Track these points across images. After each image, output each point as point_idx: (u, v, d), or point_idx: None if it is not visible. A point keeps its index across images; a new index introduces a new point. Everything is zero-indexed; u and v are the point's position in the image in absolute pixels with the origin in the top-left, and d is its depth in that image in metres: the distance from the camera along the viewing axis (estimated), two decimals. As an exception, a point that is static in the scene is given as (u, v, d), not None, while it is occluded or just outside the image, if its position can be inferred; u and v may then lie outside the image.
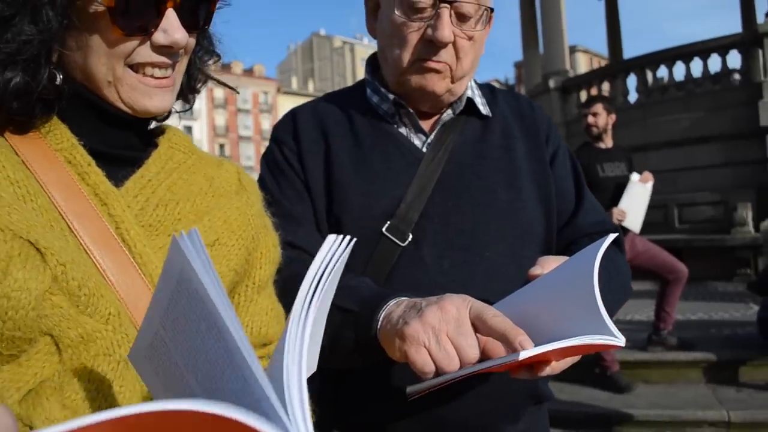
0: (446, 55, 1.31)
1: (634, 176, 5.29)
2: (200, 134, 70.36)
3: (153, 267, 0.86)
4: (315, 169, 1.38)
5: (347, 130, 1.42)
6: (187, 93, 1.05)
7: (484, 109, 1.46)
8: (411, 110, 1.41)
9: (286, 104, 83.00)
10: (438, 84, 1.35)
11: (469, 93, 1.44)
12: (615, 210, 5.10)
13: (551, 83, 12.74)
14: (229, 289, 1.00)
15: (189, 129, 65.18)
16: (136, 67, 0.89)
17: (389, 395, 1.28)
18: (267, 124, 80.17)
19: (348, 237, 0.73)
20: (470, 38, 1.33)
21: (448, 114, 1.43)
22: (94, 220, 0.84)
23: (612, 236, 1.04)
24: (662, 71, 11.32)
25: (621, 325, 5.55)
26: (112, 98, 0.89)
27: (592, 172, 5.24)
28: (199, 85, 1.07)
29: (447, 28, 1.27)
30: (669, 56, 11.04)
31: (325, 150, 1.39)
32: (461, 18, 1.30)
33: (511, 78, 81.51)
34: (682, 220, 9.53)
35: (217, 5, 0.98)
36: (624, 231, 5.07)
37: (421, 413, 1.29)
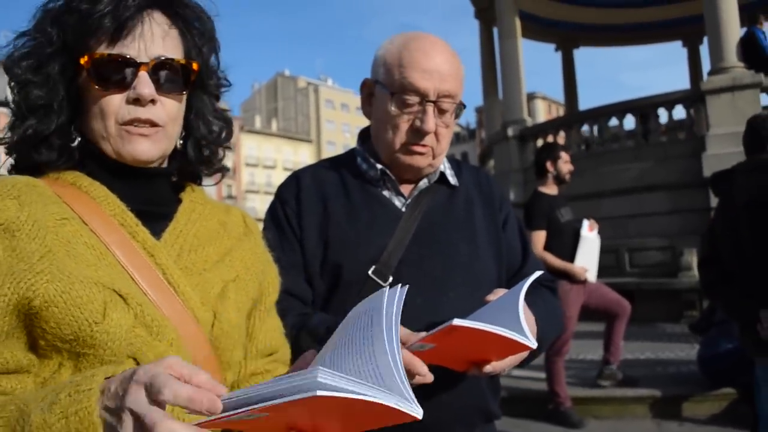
0: (429, 140, 1.66)
1: (584, 231, 5.56)
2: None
3: (193, 302, 1.12)
4: (311, 226, 1.69)
5: (341, 191, 1.73)
6: (203, 165, 1.28)
7: (452, 179, 1.80)
8: (393, 178, 1.73)
9: (248, 143, 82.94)
10: (422, 161, 1.69)
11: (441, 167, 1.78)
12: (578, 269, 5.41)
13: (510, 132, 13.29)
14: (248, 313, 1.26)
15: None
16: (123, 124, 1.12)
17: None
18: (229, 162, 78.32)
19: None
20: (447, 126, 1.68)
21: (424, 182, 1.76)
22: (147, 269, 1.10)
23: (538, 273, 1.44)
24: (614, 123, 11.95)
25: (573, 363, 5.88)
26: (107, 150, 1.13)
27: (554, 219, 5.48)
28: (209, 156, 1.28)
29: (431, 121, 1.62)
30: (620, 109, 11.67)
31: (323, 208, 1.71)
32: (441, 112, 1.65)
33: (472, 122, 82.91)
34: (633, 264, 10.00)
35: (212, 80, 1.24)
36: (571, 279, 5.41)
37: None
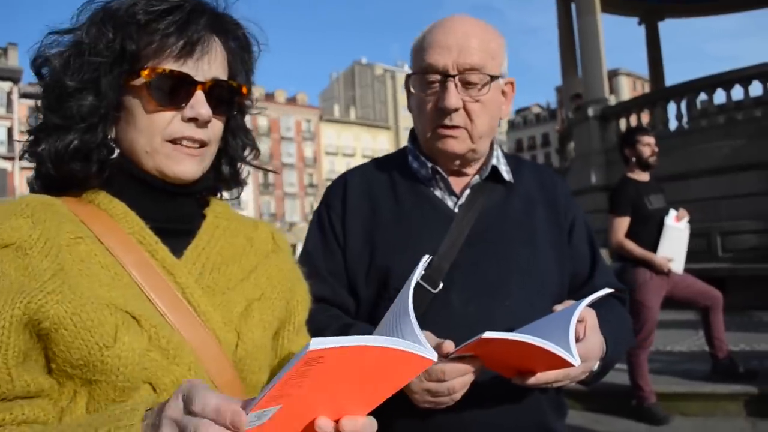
0: (459, 119, 1.54)
1: (669, 219, 5.25)
2: (244, 162, 71.82)
3: (214, 322, 1.06)
4: (356, 229, 1.61)
5: (391, 192, 1.65)
6: (231, 183, 1.26)
7: (507, 175, 1.67)
8: (445, 176, 1.62)
9: (328, 131, 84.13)
10: (457, 145, 1.57)
11: (494, 161, 1.64)
12: (660, 259, 5.12)
13: (590, 111, 12.80)
14: (275, 333, 1.19)
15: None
16: (171, 141, 1.08)
17: (414, 414, 1.44)
18: (309, 151, 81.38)
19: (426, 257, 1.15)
20: (479, 102, 1.54)
21: (476, 179, 1.63)
22: (166, 289, 1.04)
23: (606, 290, 1.32)
24: (702, 98, 11.30)
25: (660, 356, 5.57)
26: (148, 166, 1.08)
27: (641, 206, 5.24)
28: (244, 177, 1.28)
29: (453, 97, 1.51)
30: (709, 84, 11.04)
31: (371, 210, 1.63)
32: (468, 85, 1.53)
33: (552, 102, 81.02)
34: (725, 248, 9.44)
35: (247, 102, 1.21)
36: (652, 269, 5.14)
37: None
